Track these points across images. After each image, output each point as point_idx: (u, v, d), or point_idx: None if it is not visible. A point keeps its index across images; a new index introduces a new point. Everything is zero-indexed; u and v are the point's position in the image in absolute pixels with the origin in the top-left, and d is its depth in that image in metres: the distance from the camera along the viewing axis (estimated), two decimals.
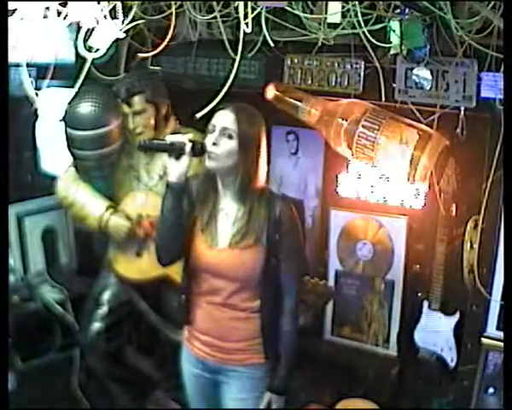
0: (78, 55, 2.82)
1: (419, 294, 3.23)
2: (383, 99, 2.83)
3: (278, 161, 3.65)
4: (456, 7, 2.34)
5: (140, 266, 3.06)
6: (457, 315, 3.05)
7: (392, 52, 2.69)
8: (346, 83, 2.97)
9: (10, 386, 3.05)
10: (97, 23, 2.55)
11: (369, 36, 2.49)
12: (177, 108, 3.07)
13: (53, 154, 3.47)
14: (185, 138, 2.13)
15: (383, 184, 3.13)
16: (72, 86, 2.93)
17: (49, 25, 2.55)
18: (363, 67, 2.91)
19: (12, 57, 2.48)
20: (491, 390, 2.77)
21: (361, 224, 3.45)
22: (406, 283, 3.36)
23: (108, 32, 2.59)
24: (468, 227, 2.84)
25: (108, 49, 2.73)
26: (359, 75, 2.93)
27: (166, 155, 2.15)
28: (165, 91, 3.04)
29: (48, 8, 2.48)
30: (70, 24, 2.56)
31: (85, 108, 2.86)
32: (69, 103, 2.91)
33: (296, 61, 3.08)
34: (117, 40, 2.71)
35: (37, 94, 2.97)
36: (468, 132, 2.71)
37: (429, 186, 2.89)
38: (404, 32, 2.53)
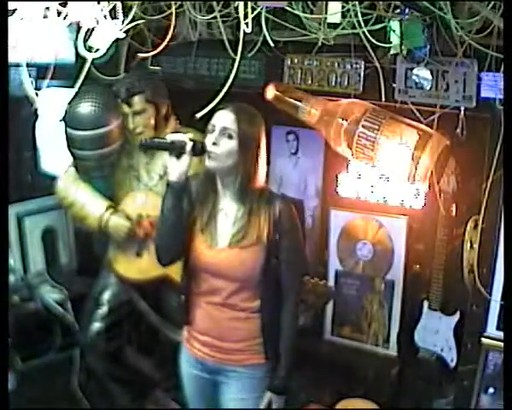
0: (78, 55, 2.82)
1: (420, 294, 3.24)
2: (383, 99, 2.83)
3: (278, 161, 3.66)
4: (456, 7, 2.34)
5: (140, 266, 3.06)
6: (457, 315, 3.06)
7: (392, 52, 2.69)
8: (346, 83, 2.97)
9: (10, 386, 3.05)
10: (97, 23, 2.55)
11: (369, 36, 2.49)
12: (177, 108, 3.07)
13: (53, 154, 3.47)
14: (186, 137, 2.14)
15: (383, 184, 3.13)
16: (72, 86, 2.93)
17: (49, 25, 2.55)
18: (363, 67, 2.91)
19: (12, 57, 2.47)
20: (491, 390, 2.77)
21: (361, 224, 3.45)
22: (406, 283, 3.36)
23: (108, 32, 2.59)
24: (468, 227, 2.83)
25: (108, 49, 2.73)
26: (359, 75, 2.93)
27: (167, 154, 2.15)
28: (165, 91, 3.04)
29: (48, 8, 2.48)
30: (70, 24, 2.56)
31: (85, 108, 2.86)
32: (69, 103, 2.91)
33: (296, 61, 3.08)
34: (117, 40, 2.70)
35: (37, 94, 2.96)
36: (468, 132, 2.70)
37: (429, 186, 2.89)
38: (404, 32, 2.53)
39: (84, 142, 2.89)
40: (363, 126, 2.73)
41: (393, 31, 2.56)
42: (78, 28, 2.62)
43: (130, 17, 2.66)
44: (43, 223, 3.70)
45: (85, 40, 2.66)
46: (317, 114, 2.89)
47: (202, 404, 2.43)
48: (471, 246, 2.81)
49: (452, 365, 3.05)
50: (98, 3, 2.51)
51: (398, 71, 2.81)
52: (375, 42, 2.54)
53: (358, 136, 2.74)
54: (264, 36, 2.61)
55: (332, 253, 3.54)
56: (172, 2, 2.72)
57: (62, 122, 2.92)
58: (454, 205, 2.97)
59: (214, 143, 2.13)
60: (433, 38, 2.53)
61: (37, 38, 2.66)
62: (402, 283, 3.36)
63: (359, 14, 2.42)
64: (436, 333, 3.11)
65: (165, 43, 2.95)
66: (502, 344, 2.59)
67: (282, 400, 2.32)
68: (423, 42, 2.54)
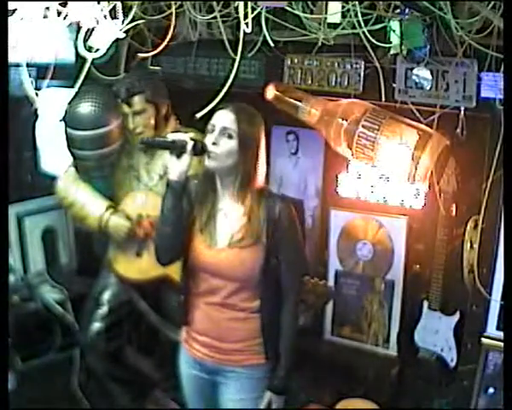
0: (78, 55, 2.82)
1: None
2: (383, 99, 2.83)
3: (278, 161, 3.66)
4: (456, 7, 2.34)
5: (140, 266, 3.06)
6: (457, 315, 3.06)
7: (392, 52, 2.69)
8: (346, 83, 2.97)
9: (10, 386, 3.05)
10: (97, 23, 2.55)
11: (369, 36, 2.49)
12: (177, 108, 3.07)
13: (53, 154, 3.47)
14: (187, 137, 2.14)
15: (383, 184, 3.13)
16: (72, 86, 2.93)
17: (49, 25, 2.55)
18: (363, 67, 2.91)
19: (12, 57, 2.48)
20: (491, 390, 2.77)
21: (361, 224, 3.45)
22: (406, 283, 3.36)
23: (108, 32, 2.59)
24: (468, 227, 2.83)
25: (108, 49, 2.73)
26: (359, 75, 2.93)
27: (167, 153, 2.15)
28: (165, 91, 3.04)
29: (48, 8, 2.48)
30: (70, 24, 2.56)
31: (85, 108, 2.86)
32: (69, 103, 2.91)
33: (296, 61, 3.08)
34: (117, 40, 2.71)
35: (37, 94, 2.97)
36: (468, 132, 2.70)
37: (429, 186, 2.89)
38: (404, 32, 2.53)
39: (84, 142, 2.89)
40: (363, 126, 2.73)
41: (393, 31, 2.56)
42: (78, 28, 2.62)
43: (130, 17, 2.67)
44: (43, 223, 3.71)
45: (85, 40, 2.66)
46: (317, 114, 2.89)
47: (202, 404, 2.42)
48: (471, 246, 2.81)
49: (452, 365, 3.05)
50: (98, 3, 2.51)
51: (398, 71, 2.81)
52: (375, 42, 2.54)
53: (358, 136, 2.74)
54: (264, 36, 2.61)
55: (332, 253, 3.54)
56: (172, 2, 2.73)
57: (62, 122, 2.92)
58: (454, 205, 2.97)
59: (214, 143, 2.13)
60: (433, 38, 2.53)
61: (37, 38, 2.66)
62: (402, 283, 3.36)
63: (359, 14, 2.42)
64: (436, 333, 3.11)
65: (165, 43, 2.95)
66: (502, 344, 2.59)
67: (282, 400, 2.32)
68: (423, 42, 2.54)
